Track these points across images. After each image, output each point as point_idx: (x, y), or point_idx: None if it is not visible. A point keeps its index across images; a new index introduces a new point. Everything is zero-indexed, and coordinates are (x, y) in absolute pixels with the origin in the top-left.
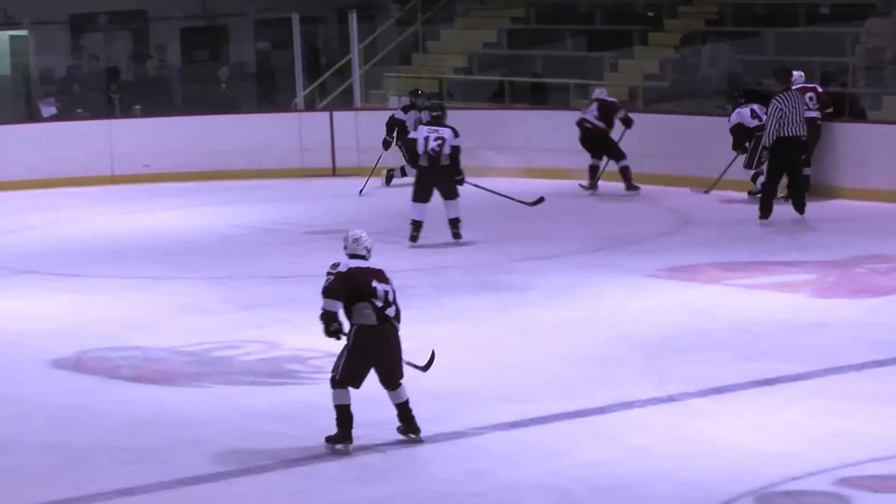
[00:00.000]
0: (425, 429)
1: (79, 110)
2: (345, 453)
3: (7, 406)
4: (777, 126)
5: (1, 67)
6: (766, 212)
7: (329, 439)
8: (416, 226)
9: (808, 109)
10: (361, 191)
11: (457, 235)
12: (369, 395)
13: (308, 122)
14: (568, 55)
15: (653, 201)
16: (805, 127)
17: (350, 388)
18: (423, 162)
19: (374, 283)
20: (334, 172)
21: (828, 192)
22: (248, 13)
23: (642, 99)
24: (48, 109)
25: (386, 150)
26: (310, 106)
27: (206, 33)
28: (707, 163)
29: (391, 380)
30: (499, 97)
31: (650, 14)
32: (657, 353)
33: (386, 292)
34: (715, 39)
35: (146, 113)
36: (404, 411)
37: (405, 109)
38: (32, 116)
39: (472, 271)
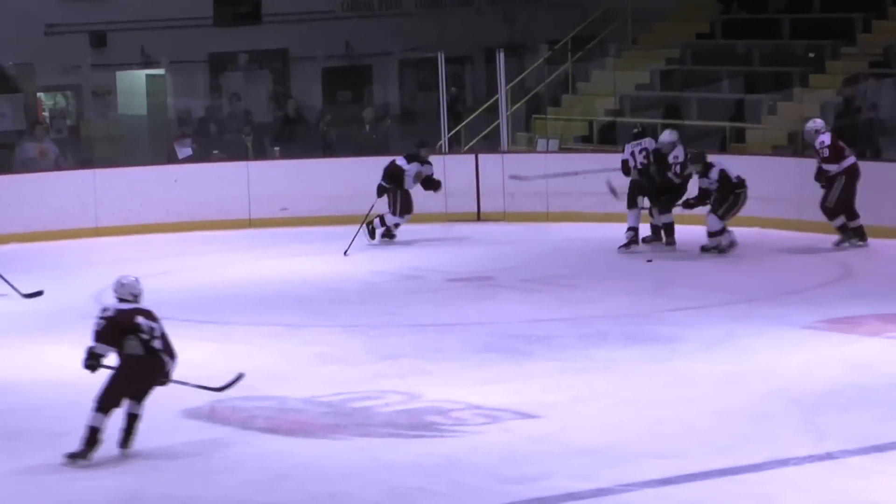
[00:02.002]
0: (571, 486)
1: (215, 152)
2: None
3: (139, 458)
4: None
5: (138, 108)
6: None
7: (71, 455)
8: (632, 231)
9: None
10: (346, 251)
11: (670, 243)
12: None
13: (452, 164)
14: (724, 97)
15: (812, 251)
16: None
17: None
18: (634, 176)
19: (139, 319)
20: (479, 217)
21: None
22: (392, 53)
23: (801, 142)
24: (184, 151)
25: (379, 196)
26: (454, 149)
27: (350, 73)
28: (876, 211)
29: (141, 397)
30: None
31: (811, 55)
32: (815, 409)
33: (152, 328)
34: (878, 81)
35: (285, 155)
36: (132, 423)
37: (409, 159)
38: (169, 158)
39: (622, 321)
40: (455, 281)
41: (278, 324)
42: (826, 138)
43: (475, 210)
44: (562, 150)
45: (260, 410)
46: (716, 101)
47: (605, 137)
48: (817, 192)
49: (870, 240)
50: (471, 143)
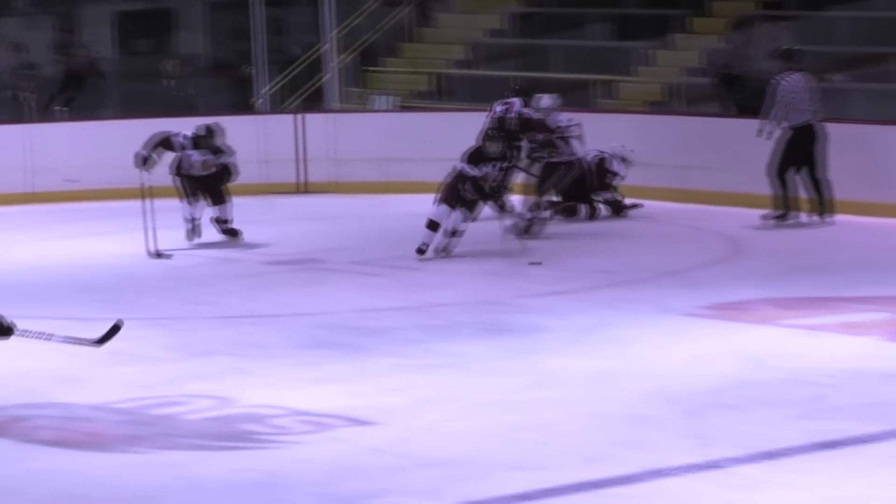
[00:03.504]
0: (412, 503)
1: None
2: None
3: None
4: (785, 112)
5: None
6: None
7: None
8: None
9: None
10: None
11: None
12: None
13: (272, 126)
14: (592, 45)
15: (696, 224)
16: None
17: None
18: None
19: None
20: (304, 188)
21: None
22: None
23: (684, 97)
24: None
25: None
26: (275, 107)
27: (149, 18)
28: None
29: None
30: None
31: None
32: (699, 411)
33: None
34: (772, 24)
35: (72, 116)
36: None
37: (193, 141)
38: None
39: (474, 310)
40: (276, 264)
41: (65, 317)
42: None
43: (299, 180)
44: (402, 107)
45: (43, 420)
46: (582, 50)
47: (453, 93)
48: (701, 156)
49: (765, 211)
50: (293, 102)
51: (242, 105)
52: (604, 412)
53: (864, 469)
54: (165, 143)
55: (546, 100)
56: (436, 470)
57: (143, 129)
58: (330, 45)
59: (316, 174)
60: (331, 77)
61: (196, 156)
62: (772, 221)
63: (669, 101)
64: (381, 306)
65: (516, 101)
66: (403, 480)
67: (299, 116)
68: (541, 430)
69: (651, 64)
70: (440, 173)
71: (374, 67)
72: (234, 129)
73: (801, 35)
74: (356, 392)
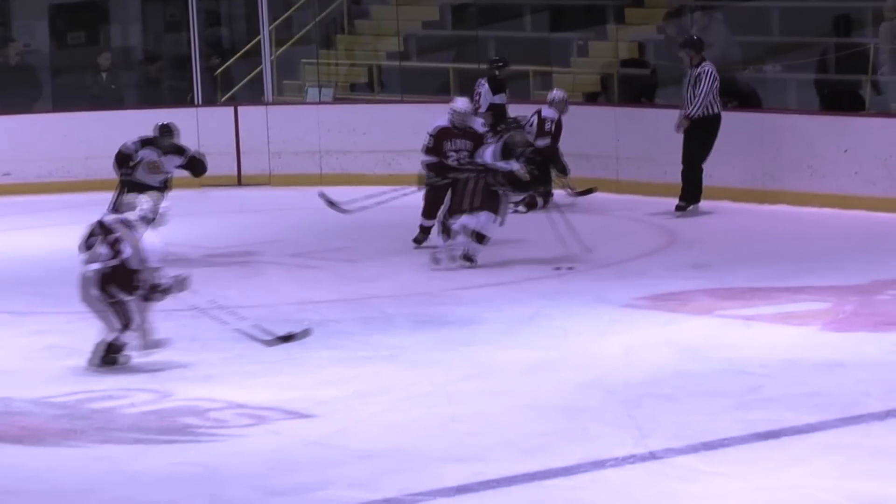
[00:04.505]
0: (351, 496)
1: None
2: None
3: None
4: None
5: None
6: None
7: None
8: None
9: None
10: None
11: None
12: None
13: (207, 119)
14: (527, 36)
15: (631, 215)
16: None
17: None
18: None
19: None
20: (239, 182)
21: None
22: None
23: (617, 90)
24: None
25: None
26: (209, 100)
27: (82, 10)
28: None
29: None
30: (446, 88)
31: None
32: (636, 401)
33: None
34: (704, 14)
35: (5, 109)
36: None
37: (143, 144)
38: None
39: (410, 302)
40: (212, 257)
41: None
42: None
43: (235, 173)
44: (337, 100)
45: None
46: (517, 41)
47: (388, 85)
48: (636, 146)
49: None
50: (229, 94)
51: (178, 98)
52: (541, 403)
53: (802, 459)
54: (119, 158)
55: (557, 93)
56: (373, 462)
57: (76, 123)
58: (264, 37)
59: (251, 167)
60: (264, 69)
61: (150, 155)
62: (677, 213)
63: (604, 92)
64: (317, 299)
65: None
66: (341, 473)
67: (235, 109)
68: (478, 421)
69: (587, 55)
70: (375, 165)
71: (311, 59)
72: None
73: (735, 24)
74: (293, 385)
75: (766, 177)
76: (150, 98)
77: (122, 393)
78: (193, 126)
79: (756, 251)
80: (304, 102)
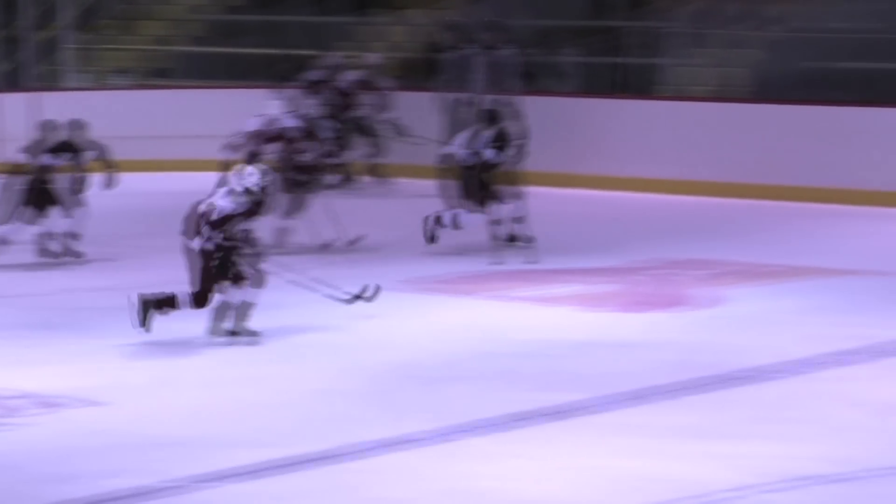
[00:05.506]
0: (141, 483)
1: None
2: None
3: None
4: None
5: None
6: None
7: None
8: None
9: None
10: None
11: None
12: None
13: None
14: (292, 20)
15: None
16: None
17: None
18: None
19: None
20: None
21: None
22: None
23: (397, 72)
24: None
25: None
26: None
27: None
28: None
29: None
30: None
31: None
32: (431, 384)
33: None
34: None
35: None
36: None
37: None
38: None
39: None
40: (7, 245)
41: None
42: None
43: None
44: (137, 86)
45: None
46: (282, 26)
47: (189, 70)
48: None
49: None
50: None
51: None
52: (338, 388)
53: (596, 439)
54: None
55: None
56: (167, 449)
57: None
58: (27, 21)
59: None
60: (29, 55)
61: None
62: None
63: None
64: (112, 286)
65: None
66: (132, 460)
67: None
68: (275, 406)
69: (351, 40)
70: (174, 151)
71: (112, 45)
72: None
73: (499, 8)
74: (88, 372)
75: (561, 160)
76: None
77: None
78: None
79: (550, 235)
80: (102, 88)
